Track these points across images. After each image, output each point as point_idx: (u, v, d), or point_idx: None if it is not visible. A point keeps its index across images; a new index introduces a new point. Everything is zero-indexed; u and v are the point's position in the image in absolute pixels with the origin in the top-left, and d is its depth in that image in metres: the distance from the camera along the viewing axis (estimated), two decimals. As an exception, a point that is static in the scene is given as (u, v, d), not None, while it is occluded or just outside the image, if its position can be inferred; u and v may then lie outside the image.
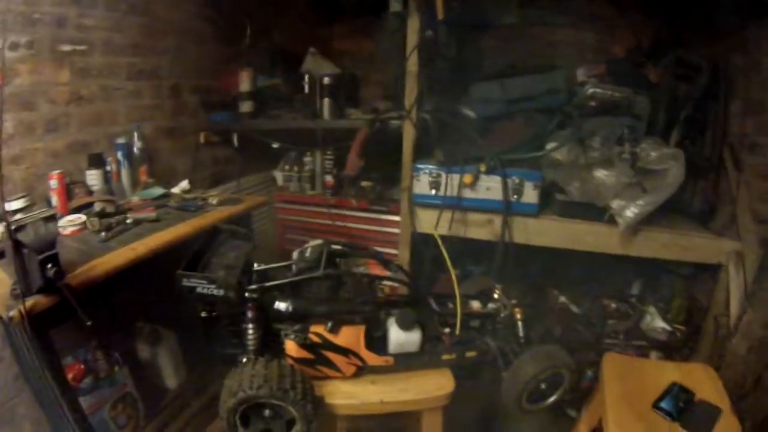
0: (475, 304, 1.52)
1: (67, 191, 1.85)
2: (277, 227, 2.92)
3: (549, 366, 1.39)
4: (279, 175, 2.87)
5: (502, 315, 1.50)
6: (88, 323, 1.24)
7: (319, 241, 1.37)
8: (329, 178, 2.66)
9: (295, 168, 2.78)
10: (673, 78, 2.00)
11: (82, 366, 1.84)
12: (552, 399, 1.49)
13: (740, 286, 1.66)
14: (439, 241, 1.54)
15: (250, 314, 1.29)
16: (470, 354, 1.44)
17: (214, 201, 2.00)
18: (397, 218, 2.29)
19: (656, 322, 2.11)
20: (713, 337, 1.80)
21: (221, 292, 1.22)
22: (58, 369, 1.44)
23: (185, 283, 1.23)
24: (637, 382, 1.44)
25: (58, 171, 1.80)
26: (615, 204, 1.78)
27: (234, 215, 1.93)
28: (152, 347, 2.15)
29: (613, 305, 2.25)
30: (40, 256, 1.18)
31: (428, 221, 2.02)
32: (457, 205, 1.94)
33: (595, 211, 1.85)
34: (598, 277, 2.34)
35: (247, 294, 1.28)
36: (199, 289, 1.23)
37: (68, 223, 1.66)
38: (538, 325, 1.90)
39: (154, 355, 2.15)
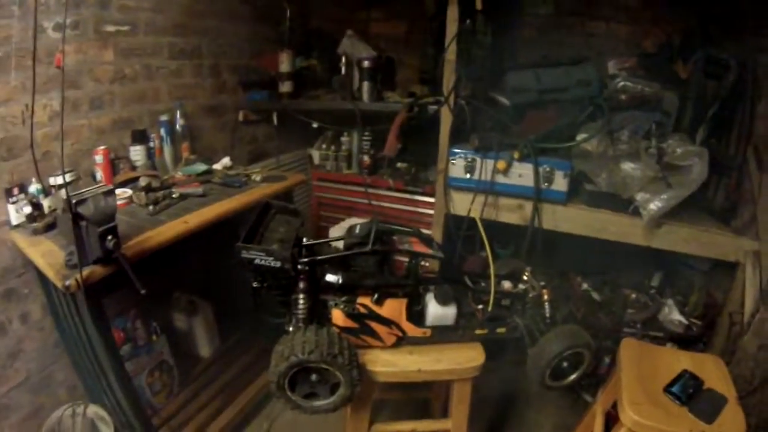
0: (507, 284, 1.65)
1: (112, 166, 1.96)
2: (313, 204, 3.06)
3: (572, 345, 1.51)
4: (315, 154, 3.01)
5: (530, 295, 1.62)
6: (143, 292, 1.33)
7: (364, 220, 1.51)
8: (366, 158, 2.77)
9: (332, 147, 2.91)
10: (702, 75, 2.06)
11: (122, 334, 1.99)
12: (573, 377, 1.62)
13: (756, 285, 1.73)
14: (479, 223, 1.68)
15: (301, 285, 1.41)
16: (500, 330, 1.57)
17: (257, 178, 2.12)
18: (431, 200, 2.44)
19: (673, 315, 2.22)
20: (727, 333, 1.88)
21: (278, 264, 1.33)
22: (109, 335, 1.57)
23: (244, 255, 1.33)
24: (652, 367, 1.54)
25: (103, 146, 1.91)
26: (639, 197, 1.87)
27: (277, 192, 2.06)
28: (188, 317, 2.30)
29: (633, 295, 2.37)
30: (101, 228, 1.28)
31: (462, 204, 2.14)
32: (490, 189, 2.05)
33: (621, 203, 1.95)
34: (619, 267, 2.46)
35: (299, 266, 1.40)
36: (257, 261, 1.33)
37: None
38: (562, 307, 2.03)
39: (190, 325, 2.31)
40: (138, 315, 2.11)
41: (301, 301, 1.42)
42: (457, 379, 1.54)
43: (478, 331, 1.55)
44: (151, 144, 2.14)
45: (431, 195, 2.44)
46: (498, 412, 2.32)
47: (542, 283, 1.63)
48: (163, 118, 2.18)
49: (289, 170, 2.85)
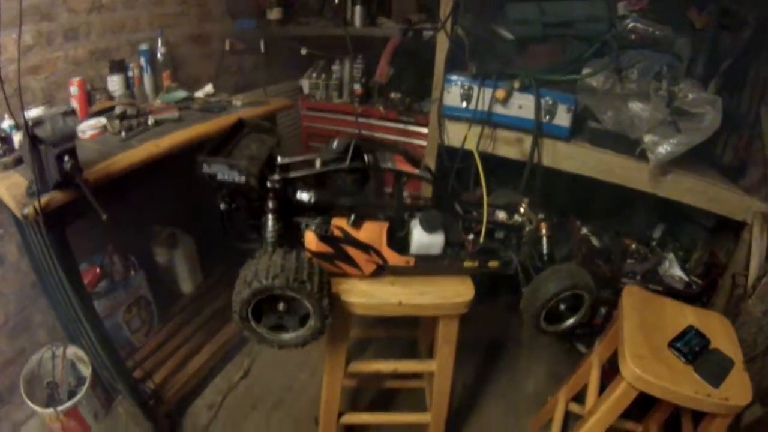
0: (501, 215, 1.41)
1: (88, 97, 1.77)
2: (303, 136, 2.85)
3: (570, 286, 1.27)
4: (305, 84, 2.74)
5: (527, 229, 1.39)
6: (104, 217, 1.18)
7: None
8: (357, 87, 2.53)
9: (323, 76, 2.65)
10: (717, 27, 1.84)
11: (98, 270, 1.81)
12: (570, 322, 1.38)
13: (762, 248, 1.56)
14: (476, 154, 1.43)
15: (270, 204, 1.18)
16: (493, 264, 1.34)
17: (238, 103, 1.90)
18: (424, 130, 2.20)
19: (674, 270, 2.02)
20: (729, 295, 1.72)
21: (242, 179, 1.11)
22: (73, 268, 1.39)
23: (206, 169, 1.11)
24: (656, 318, 1.36)
25: (78, 78, 1.72)
26: (648, 139, 1.65)
27: (259, 116, 1.83)
28: (169, 251, 2.10)
29: (633, 245, 2.14)
30: (57, 150, 1.12)
31: (456, 134, 1.91)
32: (487, 120, 1.81)
33: (627, 144, 1.72)
34: (620, 214, 2.23)
35: (268, 184, 1.17)
36: (219, 176, 1.12)
37: (89, 127, 1.59)
38: (562, 246, 1.80)
39: (171, 260, 2.11)
40: (115, 250, 1.91)
41: (270, 222, 1.20)
42: (443, 315, 1.32)
43: (467, 264, 1.32)
44: (130, 74, 1.94)
45: (425, 125, 2.20)
46: (488, 358, 2.14)
47: (540, 216, 1.39)
48: (143, 47, 1.96)
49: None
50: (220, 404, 1.89)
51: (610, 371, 1.53)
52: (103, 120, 1.65)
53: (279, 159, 1.31)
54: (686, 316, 1.39)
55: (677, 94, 1.70)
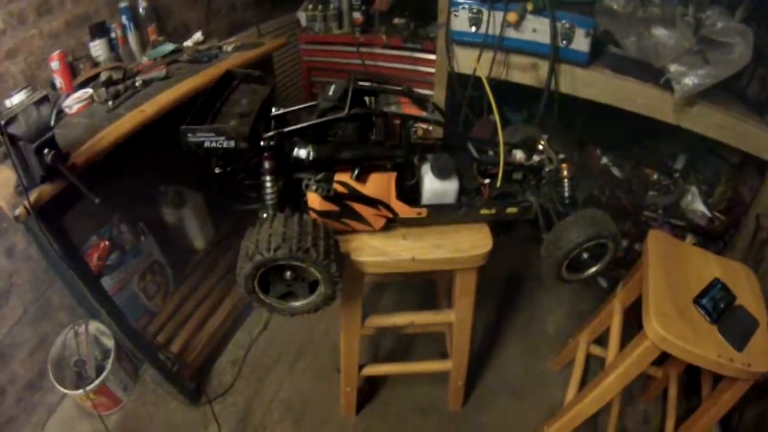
0: (519, 155, 1.26)
1: (71, 69, 1.60)
2: (303, 71, 2.64)
3: (594, 235, 1.13)
4: (302, 16, 2.50)
5: (547, 169, 1.24)
6: (96, 201, 1.11)
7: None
8: (357, 15, 2.31)
9: (320, 6, 2.41)
10: None
11: (107, 243, 1.70)
12: (593, 270, 1.25)
13: None
14: (485, 82, 1.25)
15: (266, 165, 1.05)
16: (511, 210, 1.20)
17: (229, 48, 1.72)
18: (432, 57, 2.01)
19: (696, 205, 1.89)
20: (752, 237, 1.61)
21: (231, 144, 0.98)
22: (76, 257, 1.31)
23: (191, 138, 0.98)
24: (681, 270, 1.24)
25: (57, 51, 1.55)
26: (673, 68, 1.47)
27: (252, 60, 1.68)
28: (177, 210, 1.99)
29: (655, 176, 1.99)
30: (35, 144, 1.03)
31: (466, 61, 1.73)
32: (499, 45, 1.62)
33: (651, 72, 1.53)
34: (640, 143, 2.05)
35: (263, 143, 1.03)
36: (207, 144, 0.98)
37: (74, 101, 1.44)
38: (584, 186, 1.65)
39: (180, 218, 2.01)
40: (121, 219, 1.80)
41: (269, 185, 1.07)
42: (460, 269, 1.20)
43: (484, 211, 1.18)
44: (113, 35, 1.74)
45: (432, 52, 2.00)
46: (507, 294, 2.04)
47: (561, 156, 1.23)
48: (123, 4, 1.75)
49: (275, 38, 2.38)
50: (243, 359, 1.85)
51: (633, 317, 1.45)
52: (89, 90, 1.50)
53: (274, 110, 1.16)
54: (711, 266, 1.28)
55: (704, 21, 1.49)
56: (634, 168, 1.93)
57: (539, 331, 1.90)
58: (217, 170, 1.11)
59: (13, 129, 1.00)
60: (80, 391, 1.56)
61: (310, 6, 2.44)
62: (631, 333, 1.26)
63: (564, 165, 1.24)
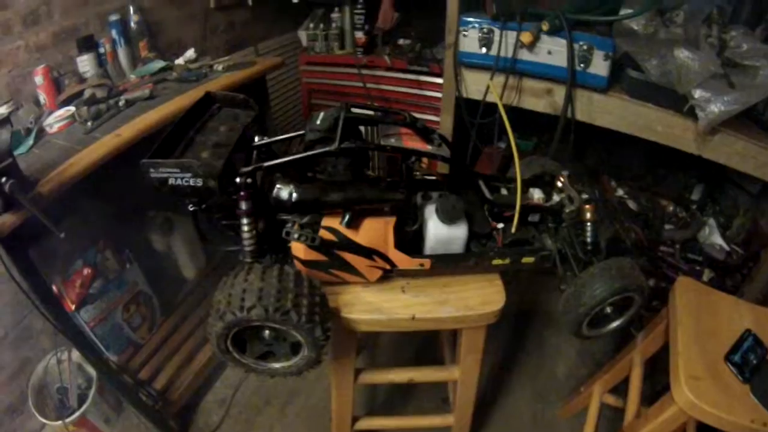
0: (536, 194, 1.03)
1: (56, 84, 1.44)
2: (303, 94, 2.41)
3: (621, 288, 0.91)
4: (303, 35, 2.29)
5: (567, 211, 1.02)
6: (61, 236, 0.99)
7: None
8: (360, 36, 2.09)
9: (321, 26, 2.19)
10: None
11: (90, 270, 1.48)
12: (615, 324, 1.03)
13: None
14: (500, 105, 1.03)
15: (243, 206, 0.83)
16: (527, 260, 0.97)
17: (219, 67, 1.52)
18: (439, 80, 1.80)
19: (714, 238, 1.67)
20: None
21: (199, 182, 0.77)
22: (42, 288, 1.13)
23: (153, 174, 0.78)
24: (711, 322, 1.04)
25: (42, 65, 1.39)
26: (698, 94, 1.24)
27: (244, 81, 1.49)
28: (166, 237, 1.76)
29: (671, 207, 1.76)
30: None
31: (476, 85, 1.52)
32: (511, 68, 1.41)
33: (673, 98, 1.30)
34: (656, 172, 1.81)
35: (238, 179, 0.82)
36: (171, 181, 0.78)
37: (56, 120, 1.29)
38: (606, 227, 1.41)
39: (169, 246, 1.78)
40: (107, 244, 1.58)
41: (246, 228, 0.85)
42: (467, 327, 0.97)
43: (496, 261, 0.95)
44: (102, 50, 1.56)
45: (439, 75, 1.78)
46: (515, 333, 1.80)
47: (584, 196, 1.00)
48: (113, 18, 1.57)
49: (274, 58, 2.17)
50: (231, 399, 1.63)
51: (651, 366, 1.26)
52: (71, 108, 1.33)
53: (257, 139, 0.95)
54: (743, 316, 1.07)
55: (728, 42, 1.31)
56: (650, 200, 1.70)
57: (548, 374, 1.66)
58: (190, 208, 0.90)
59: (-32, 153, 0.87)
60: (59, 422, 1.37)
61: (311, 25, 2.24)
62: (650, 383, 1.07)
63: (587, 207, 1.01)
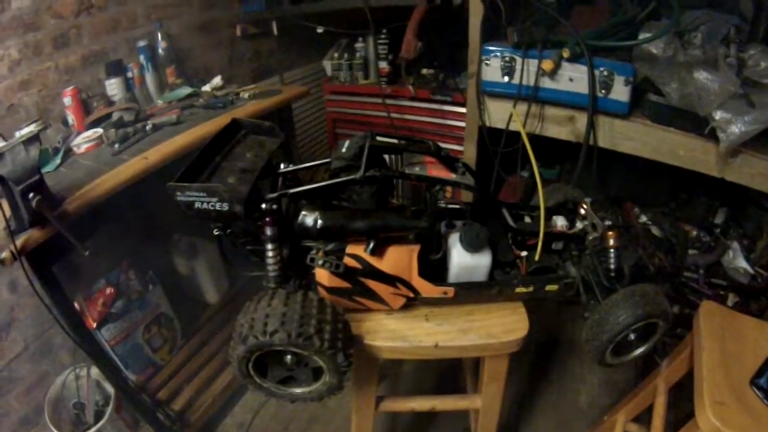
0: (560, 222, 1.02)
1: (85, 106, 1.48)
2: (328, 123, 2.41)
3: (645, 315, 0.89)
4: (328, 65, 2.29)
5: (590, 238, 1.00)
6: (86, 253, 1.01)
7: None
8: (384, 65, 2.08)
9: (345, 56, 2.20)
10: None
11: (113, 290, 1.50)
12: (639, 351, 1.00)
13: None
14: (523, 134, 1.02)
15: (268, 231, 0.84)
16: (551, 288, 0.95)
17: (246, 95, 1.55)
18: (462, 110, 1.78)
19: (738, 261, 1.63)
20: None
21: (225, 207, 0.78)
22: (66, 308, 1.16)
23: (179, 197, 0.79)
24: (737, 346, 1.00)
25: (71, 87, 1.43)
26: (719, 116, 1.23)
27: (269, 109, 1.52)
28: (190, 261, 1.78)
29: (694, 232, 1.72)
30: (20, 187, 0.92)
31: (499, 113, 1.52)
32: (533, 96, 1.41)
33: (694, 121, 1.30)
34: (678, 197, 1.78)
35: (264, 205, 0.83)
36: (197, 205, 0.79)
37: (83, 140, 1.32)
38: (629, 254, 1.39)
39: (192, 270, 1.79)
40: (131, 265, 1.60)
41: (270, 254, 0.86)
42: (489, 356, 0.95)
43: (520, 289, 0.94)
44: (130, 74, 1.61)
45: (462, 104, 1.77)
46: (537, 361, 1.75)
47: (607, 223, 0.99)
48: (142, 44, 1.63)
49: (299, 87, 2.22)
50: (250, 423, 1.61)
51: (676, 392, 1.20)
52: (99, 130, 1.37)
53: (282, 166, 0.96)
54: None
55: (747, 61, 1.29)
56: (673, 225, 1.67)
57: (571, 403, 1.61)
58: (216, 232, 0.90)
59: (-1, 168, 0.90)
60: None
61: (336, 54, 2.25)
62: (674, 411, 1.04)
63: (610, 233, 0.99)
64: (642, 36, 1.36)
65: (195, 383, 1.59)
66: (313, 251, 0.87)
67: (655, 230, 1.63)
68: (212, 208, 0.79)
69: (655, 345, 1.00)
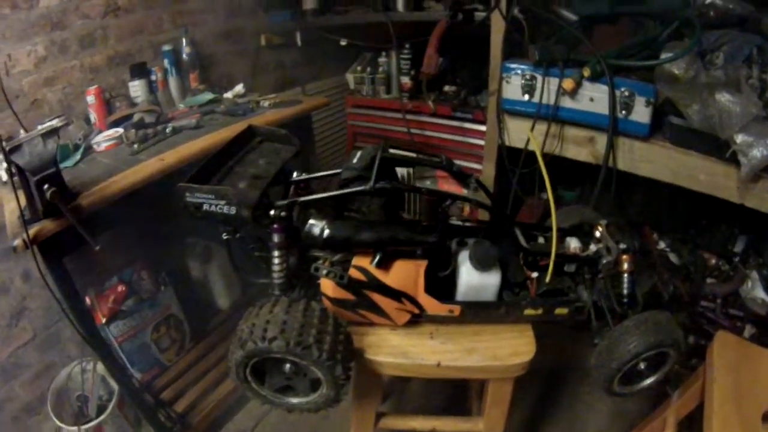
0: (573, 243, 0.99)
1: (107, 106, 1.50)
2: (348, 136, 2.38)
3: (656, 343, 0.85)
4: (350, 78, 2.27)
5: (604, 261, 0.97)
6: (96, 248, 1.01)
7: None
8: (406, 80, 2.04)
9: (368, 69, 2.18)
10: None
11: (124, 287, 1.51)
12: (648, 381, 0.96)
13: None
14: (539, 154, 1.00)
15: (275, 238, 0.83)
16: (560, 311, 0.93)
17: (266, 103, 1.55)
18: (483, 128, 1.72)
19: (756, 291, 1.55)
20: None
21: (232, 211, 0.78)
22: (75, 299, 1.15)
23: (188, 198, 0.79)
24: (751, 379, 0.96)
25: (95, 86, 1.46)
26: (740, 139, 1.17)
27: (288, 118, 1.51)
28: (203, 265, 1.78)
29: (713, 260, 1.66)
30: (36, 177, 0.93)
31: (518, 133, 1.48)
32: (553, 115, 1.37)
33: (716, 144, 1.23)
34: (698, 224, 1.72)
35: (273, 212, 0.82)
36: (205, 207, 0.79)
37: (104, 139, 1.34)
38: (645, 280, 1.34)
39: (205, 274, 1.79)
40: (145, 265, 1.61)
41: (277, 261, 0.85)
42: (494, 378, 0.92)
43: (528, 312, 0.91)
44: (153, 77, 1.63)
45: (482, 122, 1.73)
46: (545, 390, 1.69)
47: (622, 246, 0.95)
48: (166, 48, 1.65)
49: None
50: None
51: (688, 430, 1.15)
52: (120, 130, 1.39)
53: (295, 174, 0.95)
54: None
55: None
56: (692, 252, 1.61)
57: None
58: (224, 236, 0.90)
59: (16, 158, 0.93)
60: (75, 428, 1.38)
61: (359, 68, 2.24)
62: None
63: (624, 257, 0.96)
64: (664, 55, 1.34)
65: (199, 386, 1.58)
66: (319, 261, 0.86)
67: (672, 257, 1.57)
68: (219, 211, 0.79)
69: (666, 376, 0.96)
